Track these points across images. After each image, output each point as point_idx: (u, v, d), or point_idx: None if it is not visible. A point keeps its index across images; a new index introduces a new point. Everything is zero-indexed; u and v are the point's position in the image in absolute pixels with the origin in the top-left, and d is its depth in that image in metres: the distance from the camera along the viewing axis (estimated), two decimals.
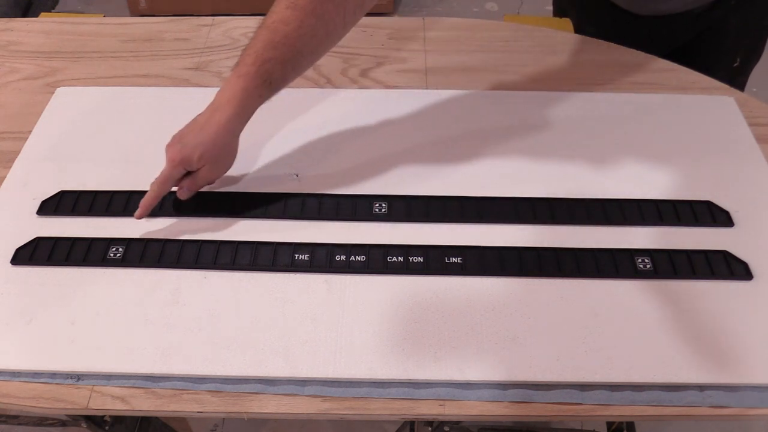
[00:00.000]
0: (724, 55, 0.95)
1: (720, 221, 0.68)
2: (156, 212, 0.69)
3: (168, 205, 0.69)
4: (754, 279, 0.63)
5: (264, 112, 0.81)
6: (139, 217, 0.66)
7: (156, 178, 0.65)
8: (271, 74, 0.64)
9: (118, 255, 0.65)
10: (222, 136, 0.65)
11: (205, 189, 0.70)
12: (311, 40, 0.65)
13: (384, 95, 0.84)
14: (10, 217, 0.69)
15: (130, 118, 0.80)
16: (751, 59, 0.97)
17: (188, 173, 0.66)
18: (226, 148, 0.66)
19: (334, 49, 0.91)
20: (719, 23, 0.91)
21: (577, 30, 0.98)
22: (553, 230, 0.68)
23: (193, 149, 0.64)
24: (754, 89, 1.02)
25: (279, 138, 0.77)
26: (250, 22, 0.96)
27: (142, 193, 0.70)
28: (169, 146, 0.65)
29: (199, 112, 0.67)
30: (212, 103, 0.65)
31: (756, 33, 0.94)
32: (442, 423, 0.71)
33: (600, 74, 0.86)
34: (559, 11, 1.08)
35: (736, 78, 0.95)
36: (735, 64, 0.96)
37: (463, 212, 0.69)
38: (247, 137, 0.77)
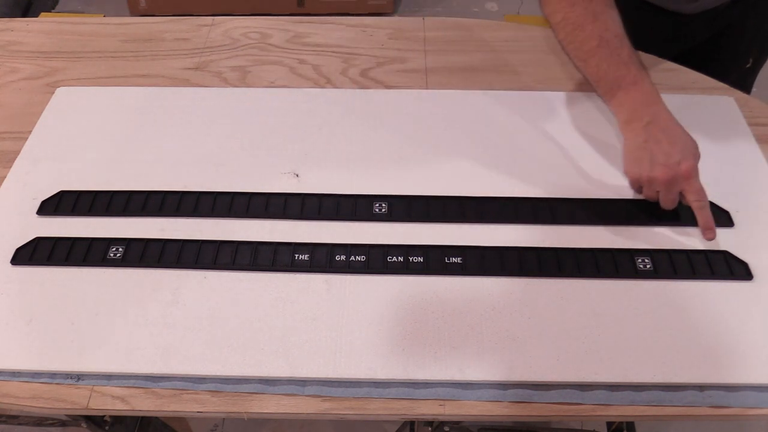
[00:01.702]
0: (741, 55, 0.95)
1: (720, 221, 0.68)
2: (156, 212, 0.69)
3: (168, 205, 0.69)
4: (754, 279, 0.63)
5: (264, 112, 0.81)
6: (713, 238, 0.65)
7: (693, 200, 0.65)
8: (639, 61, 0.69)
9: (118, 255, 0.65)
10: (681, 125, 0.67)
11: (209, 189, 0.71)
12: (620, 20, 0.71)
13: (384, 95, 0.84)
14: (10, 217, 0.69)
15: (130, 118, 0.80)
16: (762, 59, 0.97)
17: None
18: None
19: (334, 49, 0.92)
20: (738, 22, 0.91)
21: None
22: (553, 230, 0.68)
23: (690, 151, 0.65)
24: (754, 89, 1.02)
25: (279, 138, 0.77)
26: (250, 22, 0.96)
27: (142, 193, 0.70)
28: (668, 172, 0.64)
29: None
30: (635, 122, 0.67)
31: None
32: (442, 423, 0.71)
33: None
34: None
35: (746, 78, 0.95)
36: (747, 65, 0.96)
37: (463, 212, 0.69)
38: (247, 137, 0.78)
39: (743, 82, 0.86)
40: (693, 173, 0.64)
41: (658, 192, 0.67)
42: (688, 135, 0.66)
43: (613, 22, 0.69)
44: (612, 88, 0.69)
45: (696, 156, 0.66)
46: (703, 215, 0.65)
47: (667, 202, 0.67)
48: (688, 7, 0.88)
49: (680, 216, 0.68)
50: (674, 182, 0.65)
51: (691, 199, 0.65)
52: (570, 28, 0.70)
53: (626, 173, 0.68)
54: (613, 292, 0.62)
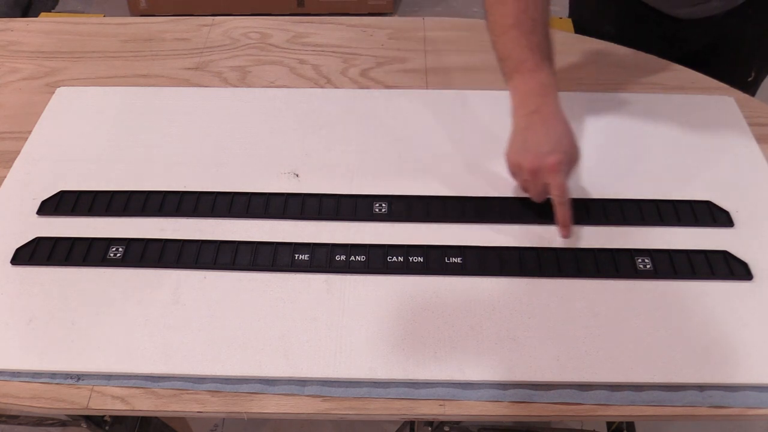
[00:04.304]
0: (740, 67, 0.95)
1: (720, 221, 0.68)
2: (156, 212, 0.69)
3: (168, 205, 0.69)
4: (754, 279, 0.63)
5: (264, 112, 0.81)
6: (569, 235, 0.65)
7: (554, 195, 0.64)
8: (547, 51, 0.68)
9: (118, 255, 0.65)
10: (566, 121, 0.66)
11: (209, 189, 0.71)
12: (545, 7, 0.69)
13: (384, 95, 0.84)
14: (10, 217, 0.69)
15: (130, 118, 0.80)
16: (764, 73, 0.97)
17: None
18: (571, 129, 0.67)
19: (334, 49, 0.92)
20: (735, 33, 0.91)
21: (593, 28, 0.97)
22: (553, 230, 0.67)
23: (561, 146, 0.64)
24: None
25: (279, 138, 0.77)
26: (250, 22, 0.96)
27: (143, 193, 0.70)
28: (535, 162, 0.63)
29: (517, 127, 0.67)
30: (524, 109, 0.66)
31: None
32: (442, 423, 0.70)
33: (600, 74, 0.86)
34: (574, 10, 1.07)
35: (748, 91, 0.95)
36: (749, 78, 0.96)
37: (463, 212, 0.69)
38: (247, 137, 0.78)
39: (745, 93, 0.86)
40: (558, 168, 0.63)
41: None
42: (570, 133, 0.65)
43: (534, 5, 0.67)
44: (512, 71, 0.67)
45: (569, 153, 0.64)
46: (561, 211, 0.64)
47: (534, 194, 0.66)
48: (684, 12, 0.88)
49: (680, 216, 0.68)
50: (539, 172, 0.64)
51: (553, 194, 0.64)
52: (494, 0, 0.69)
53: (505, 157, 0.68)
54: (613, 292, 0.62)
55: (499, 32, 0.68)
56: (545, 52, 0.67)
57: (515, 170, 0.67)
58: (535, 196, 0.67)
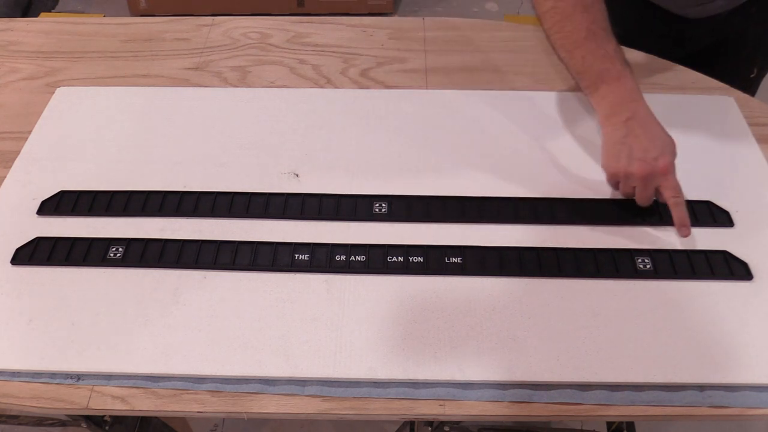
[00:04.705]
0: (743, 64, 0.95)
1: (720, 221, 0.68)
2: (156, 212, 0.69)
3: (168, 205, 0.69)
4: (754, 279, 0.63)
5: (264, 112, 0.81)
6: (688, 235, 0.66)
7: (670, 197, 0.65)
8: (623, 57, 0.69)
9: (118, 255, 0.65)
10: (660, 123, 0.67)
11: (209, 189, 0.71)
12: (607, 16, 0.71)
13: (384, 95, 0.84)
14: (10, 217, 0.69)
15: (130, 118, 0.80)
16: (765, 69, 0.98)
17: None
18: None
19: (334, 49, 0.92)
20: (738, 31, 0.91)
21: None
22: (553, 230, 0.68)
23: (667, 147, 0.65)
24: None
25: (279, 138, 0.77)
26: (250, 22, 0.96)
27: (142, 193, 0.70)
28: (646, 167, 0.64)
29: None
30: (615, 117, 0.67)
31: None
32: (442, 423, 0.71)
33: None
34: None
35: (749, 88, 0.96)
36: (752, 75, 0.96)
37: (463, 212, 0.69)
38: (247, 137, 0.78)
39: (746, 92, 0.86)
40: (670, 169, 0.64)
41: (634, 188, 0.66)
42: (667, 133, 0.67)
43: (602, 15, 0.69)
44: (595, 82, 0.68)
45: (673, 153, 0.66)
46: (679, 212, 0.65)
47: (643, 199, 0.67)
48: (692, 12, 0.88)
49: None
50: (651, 178, 0.65)
51: (668, 195, 0.65)
52: (558, 17, 0.70)
53: (604, 168, 0.68)
54: (613, 292, 0.62)
55: (571, 47, 0.69)
56: (623, 59, 0.68)
57: (622, 179, 0.67)
58: (645, 201, 0.67)
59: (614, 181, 0.69)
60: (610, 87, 0.67)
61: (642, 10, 0.92)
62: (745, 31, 0.91)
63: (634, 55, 0.88)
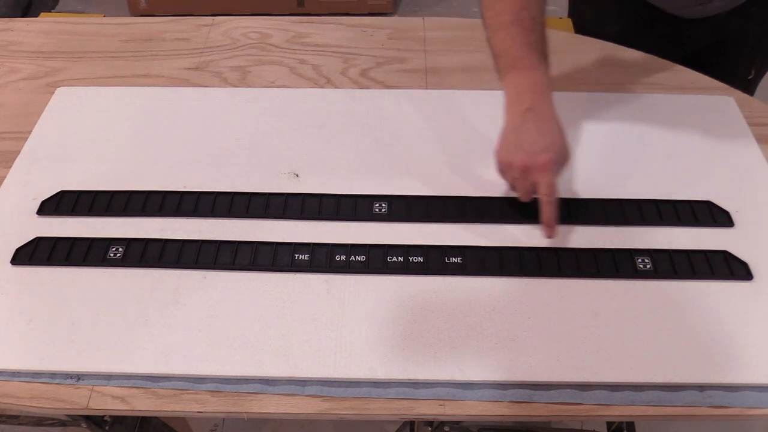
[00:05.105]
0: (741, 65, 0.95)
1: (720, 221, 0.68)
2: (156, 212, 0.69)
3: (168, 205, 0.69)
4: (754, 279, 0.63)
5: (264, 112, 0.81)
6: (554, 235, 0.65)
7: (543, 194, 0.64)
8: (544, 51, 0.67)
9: (118, 255, 0.65)
10: (559, 122, 0.65)
11: (209, 189, 0.71)
12: (543, 6, 0.69)
13: (384, 95, 0.84)
14: (10, 217, 0.69)
15: (130, 118, 0.80)
16: (763, 70, 0.98)
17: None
18: (564, 130, 0.66)
19: (334, 49, 0.92)
20: (737, 32, 0.91)
21: (596, 29, 0.97)
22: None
23: (554, 146, 0.64)
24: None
25: (279, 138, 0.77)
26: (250, 22, 0.96)
27: (143, 193, 0.70)
28: (527, 161, 0.63)
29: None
30: (519, 106, 0.65)
31: None
32: (442, 423, 0.70)
33: (600, 74, 0.86)
34: (574, 10, 1.07)
35: (747, 89, 0.96)
36: (750, 77, 0.96)
37: (463, 212, 0.69)
38: (247, 137, 0.78)
39: (744, 92, 0.86)
40: (549, 167, 0.63)
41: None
42: (562, 134, 0.65)
43: (535, 4, 0.67)
44: (508, 67, 0.67)
45: (560, 153, 0.64)
46: (547, 211, 0.64)
47: (522, 192, 0.66)
48: (690, 12, 0.88)
49: (680, 216, 0.68)
50: (529, 171, 0.63)
51: (541, 192, 0.64)
52: None
53: (495, 154, 0.67)
54: (613, 292, 0.62)
55: (496, 28, 0.68)
56: (542, 51, 0.67)
57: (505, 168, 0.67)
58: (523, 195, 0.66)
59: (500, 170, 0.68)
60: (519, 75, 0.66)
61: (639, 10, 0.92)
62: (745, 32, 0.91)
63: (634, 55, 0.88)
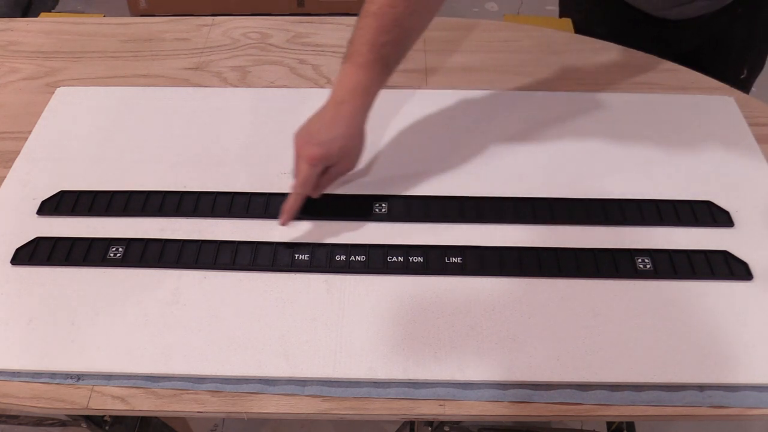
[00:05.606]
0: (731, 66, 0.95)
1: (720, 221, 0.68)
2: (156, 212, 0.69)
3: (168, 205, 0.69)
4: (754, 279, 0.63)
5: (264, 112, 0.81)
6: (285, 224, 0.65)
7: (295, 181, 0.64)
8: (388, 58, 0.65)
9: (118, 255, 0.65)
10: (354, 127, 0.65)
11: (209, 189, 0.71)
12: (420, 17, 0.66)
13: (384, 95, 0.83)
14: (10, 217, 0.69)
15: (130, 118, 0.80)
16: (756, 70, 0.98)
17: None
18: (359, 139, 0.66)
19: (334, 49, 0.92)
20: (724, 33, 0.91)
21: (585, 30, 0.98)
22: (553, 230, 0.68)
23: (330, 144, 0.63)
24: (754, 89, 1.02)
25: (279, 138, 0.77)
26: (250, 22, 0.96)
27: (142, 193, 0.70)
28: (302, 146, 0.64)
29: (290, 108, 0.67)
30: (333, 97, 0.65)
31: (762, 45, 0.95)
32: (442, 423, 0.71)
33: (600, 74, 0.86)
34: (565, 11, 1.07)
35: (741, 89, 0.96)
36: (742, 76, 0.96)
37: (463, 212, 0.69)
38: (247, 137, 0.78)
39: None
40: (314, 161, 0.63)
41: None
42: (353, 140, 0.65)
43: (405, 7, 0.64)
44: (346, 55, 0.66)
45: (335, 155, 0.64)
46: (290, 201, 0.64)
47: (295, 175, 0.65)
48: (672, 13, 0.88)
49: (680, 216, 0.68)
50: (298, 156, 0.64)
51: (295, 183, 0.64)
52: None
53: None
54: (613, 292, 0.62)
55: (362, 14, 0.65)
56: (385, 57, 0.65)
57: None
58: (296, 180, 0.65)
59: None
60: (350, 68, 0.65)
61: (622, 12, 0.92)
62: (732, 32, 0.91)
63: (634, 55, 0.88)
